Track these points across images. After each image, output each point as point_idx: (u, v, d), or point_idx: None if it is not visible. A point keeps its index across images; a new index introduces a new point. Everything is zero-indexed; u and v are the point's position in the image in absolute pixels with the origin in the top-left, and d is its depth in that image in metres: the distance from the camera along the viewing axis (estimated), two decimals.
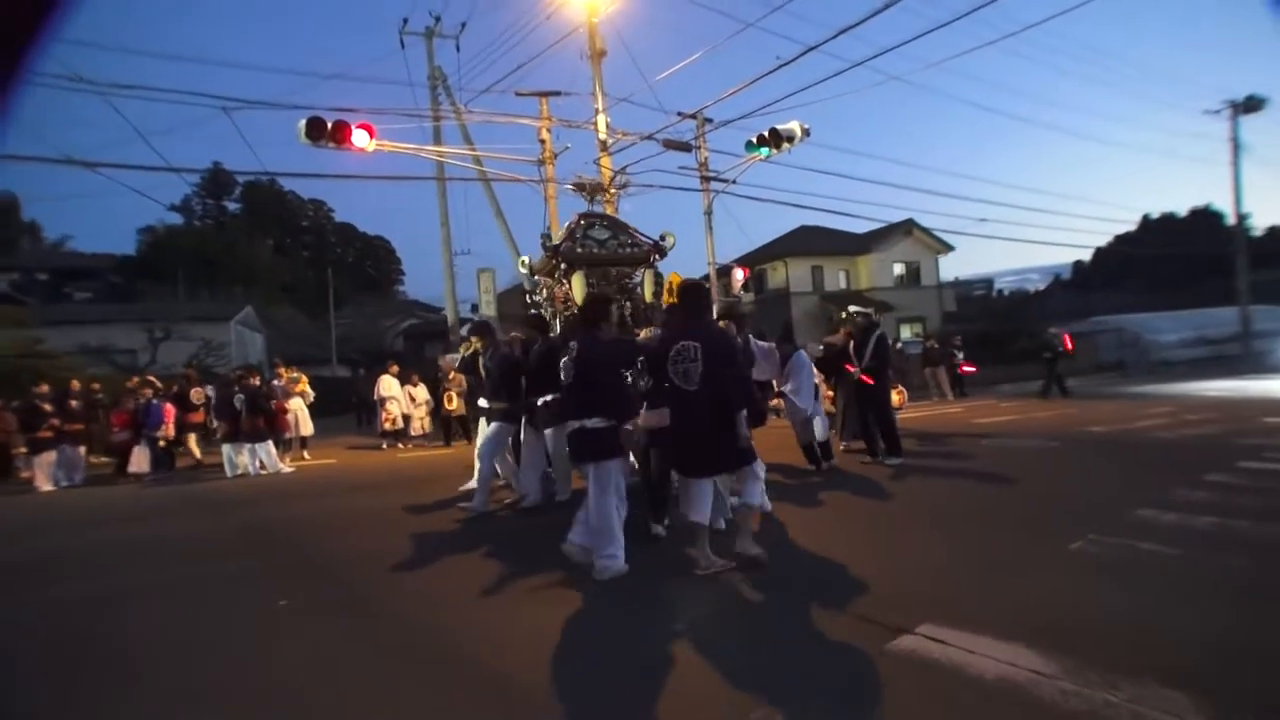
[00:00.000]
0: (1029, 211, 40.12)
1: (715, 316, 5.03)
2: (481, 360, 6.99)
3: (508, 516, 6.52)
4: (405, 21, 17.64)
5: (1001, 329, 31.72)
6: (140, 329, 21.86)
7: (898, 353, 13.89)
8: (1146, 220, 58.68)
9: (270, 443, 10.59)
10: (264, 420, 10.47)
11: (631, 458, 5.12)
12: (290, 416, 11.87)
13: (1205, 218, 56.88)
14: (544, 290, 8.83)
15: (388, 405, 13.52)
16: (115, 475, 11.00)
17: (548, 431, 6.42)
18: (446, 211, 17.89)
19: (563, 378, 4.61)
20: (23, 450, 10.68)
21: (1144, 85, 79.28)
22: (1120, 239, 52.75)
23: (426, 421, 14.22)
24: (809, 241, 32.52)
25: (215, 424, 11.03)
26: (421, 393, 14.05)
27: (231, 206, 49.74)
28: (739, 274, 18.00)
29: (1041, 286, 70.52)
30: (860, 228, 30.69)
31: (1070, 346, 15.42)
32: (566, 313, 8.20)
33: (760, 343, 6.64)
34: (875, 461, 7.71)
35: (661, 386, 4.27)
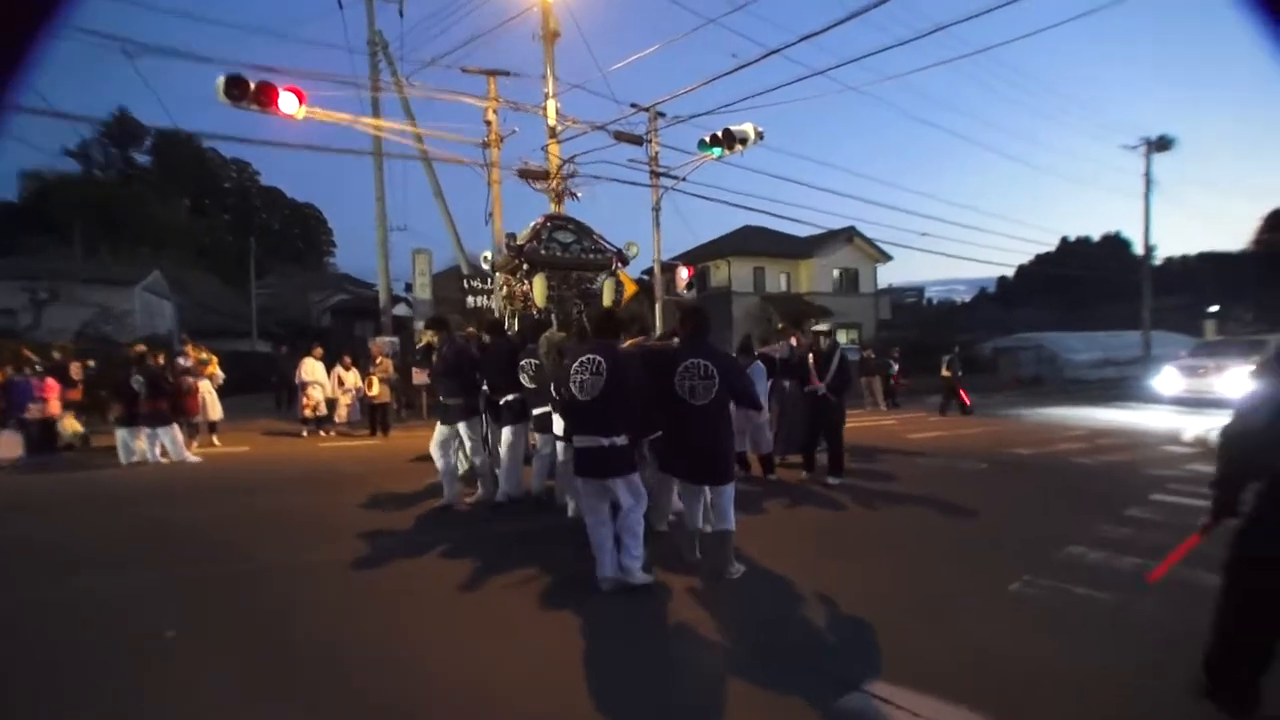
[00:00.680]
0: (963, 228, 41.55)
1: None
2: (434, 354, 6.98)
3: (455, 520, 6.18)
4: None
5: (933, 339, 32.79)
6: (20, 288, 19.67)
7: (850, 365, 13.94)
8: (1065, 242, 61.95)
9: (174, 427, 9.59)
10: (167, 402, 9.47)
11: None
12: (199, 399, 10.91)
13: (1115, 244, 60.49)
14: (504, 288, 8.73)
15: (309, 390, 12.69)
16: None
17: (506, 430, 6.59)
18: (383, 186, 16.99)
19: (524, 379, 5.08)
20: None
21: (1069, 115, 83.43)
22: (1040, 258, 55.43)
23: (353, 409, 13.47)
24: (752, 242, 32.66)
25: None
26: (353, 377, 13.27)
27: (141, 159, 44.57)
28: (684, 272, 17.82)
29: (968, 298, 73.56)
30: (803, 232, 31.09)
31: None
32: (524, 310, 8.08)
33: None
34: (810, 479, 7.66)
35: (663, 399, 4.51)
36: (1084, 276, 44.24)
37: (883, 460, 9.36)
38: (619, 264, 8.49)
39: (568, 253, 8.26)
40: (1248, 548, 2.50)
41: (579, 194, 13.31)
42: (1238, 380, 11.70)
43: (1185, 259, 58.79)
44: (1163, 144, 28.54)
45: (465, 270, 16.56)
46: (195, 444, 10.79)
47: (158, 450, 9.36)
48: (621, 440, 4.17)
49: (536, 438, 6.59)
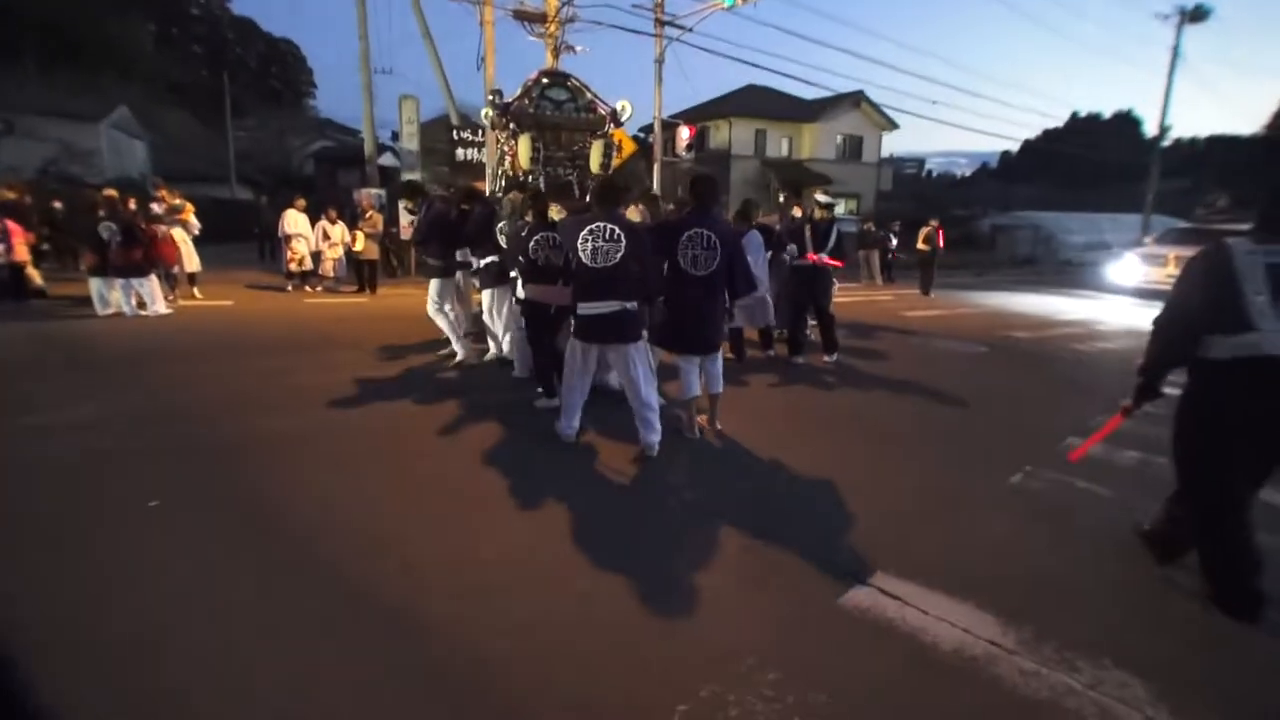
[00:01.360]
0: (974, 97, 39.45)
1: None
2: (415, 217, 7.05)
3: (453, 383, 6.10)
4: None
5: (932, 212, 32.05)
6: None
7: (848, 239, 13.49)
8: (1074, 118, 59.46)
9: (152, 277, 9.22)
10: (141, 252, 9.04)
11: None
12: (175, 248, 10.46)
13: (1125, 123, 58.12)
14: (496, 145, 8.46)
15: (293, 244, 12.28)
16: None
17: (485, 294, 6.66)
18: (365, 22, 15.61)
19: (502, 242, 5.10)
20: None
21: None
22: (1047, 134, 53.41)
23: (340, 262, 13.10)
24: (755, 102, 31.00)
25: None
26: (339, 230, 12.81)
27: None
28: (685, 132, 16.92)
29: (968, 172, 71.61)
30: (809, 94, 29.46)
31: (940, 244, 15.36)
32: (511, 171, 7.69)
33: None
34: (799, 360, 7.41)
35: (666, 268, 4.50)
36: (1089, 156, 42.88)
37: (880, 339, 9.30)
38: (612, 124, 8.00)
39: (560, 111, 7.77)
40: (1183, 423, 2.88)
41: (578, 48, 12.32)
42: None
43: (1194, 141, 56.75)
44: (1198, 14, 26.49)
45: (455, 120, 15.64)
46: (175, 295, 10.53)
47: (134, 302, 9.04)
48: (634, 306, 4.27)
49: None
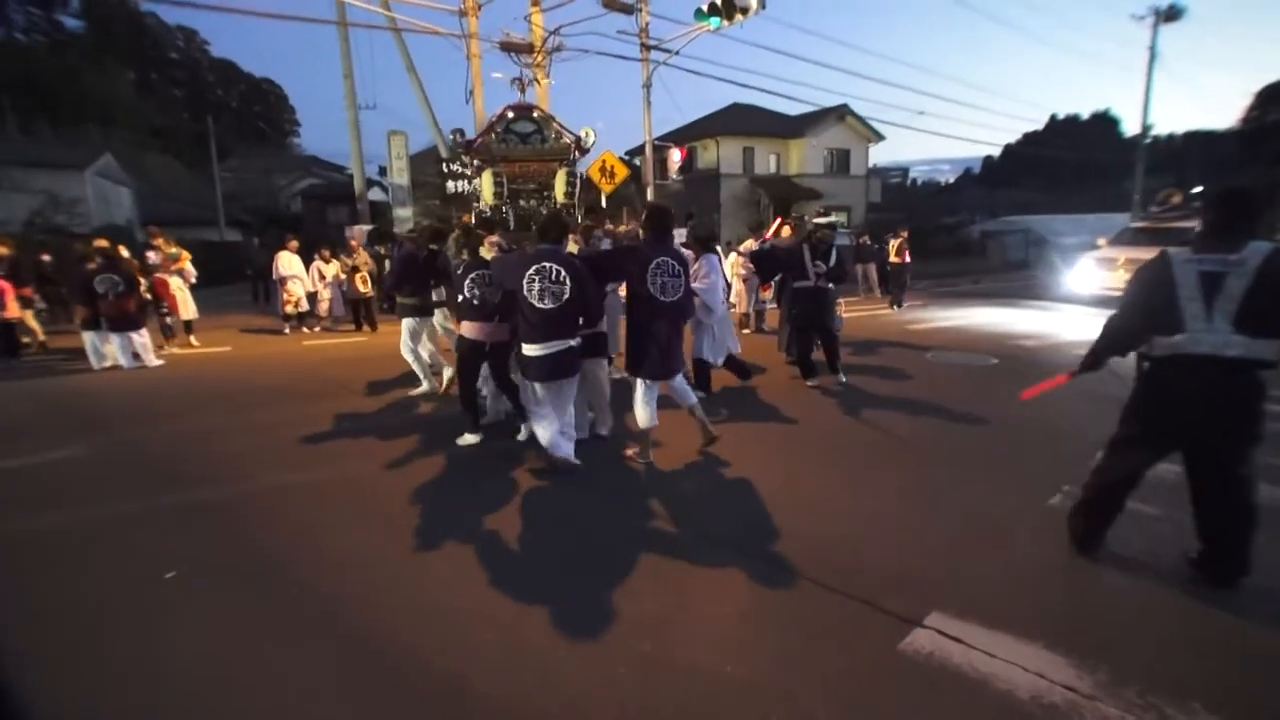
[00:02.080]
0: (956, 105, 39.89)
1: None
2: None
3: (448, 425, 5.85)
4: None
5: (920, 221, 32.20)
6: None
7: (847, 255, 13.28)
8: (1054, 121, 60.32)
9: (143, 331, 8.98)
10: (135, 303, 8.85)
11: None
12: (171, 295, 10.33)
13: (1104, 123, 59.02)
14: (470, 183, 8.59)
15: (289, 286, 12.13)
16: None
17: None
18: (350, 61, 15.63)
19: (479, 291, 4.94)
20: None
21: None
22: (1028, 137, 54.14)
23: (335, 303, 12.93)
24: (741, 121, 31.22)
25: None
26: (333, 269, 12.66)
27: (70, 24, 39.92)
28: (676, 155, 16.93)
29: (952, 179, 72.33)
30: (794, 110, 29.70)
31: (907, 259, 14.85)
32: (478, 211, 7.68)
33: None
34: (808, 383, 7.23)
35: (633, 295, 4.62)
36: (1070, 157, 43.40)
37: (889, 355, 9.17)
38: (576, 153, 8.00)
39: (526, 144, 7.80)
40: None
41: (543, 80, 12.36)
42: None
43: (1172, 138, 57.56)
44: (1172, 13, 26.95)
45: (444, 153, 15.60)
46: (173, 345, 10.36)
47: (131, 355, 8.85)
48: (577, 342, 4.52)
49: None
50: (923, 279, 21.01)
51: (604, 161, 13.25)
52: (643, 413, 4.72)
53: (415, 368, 7.02)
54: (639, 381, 4.72)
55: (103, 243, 9.33)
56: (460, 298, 5.07)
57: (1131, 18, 27.12)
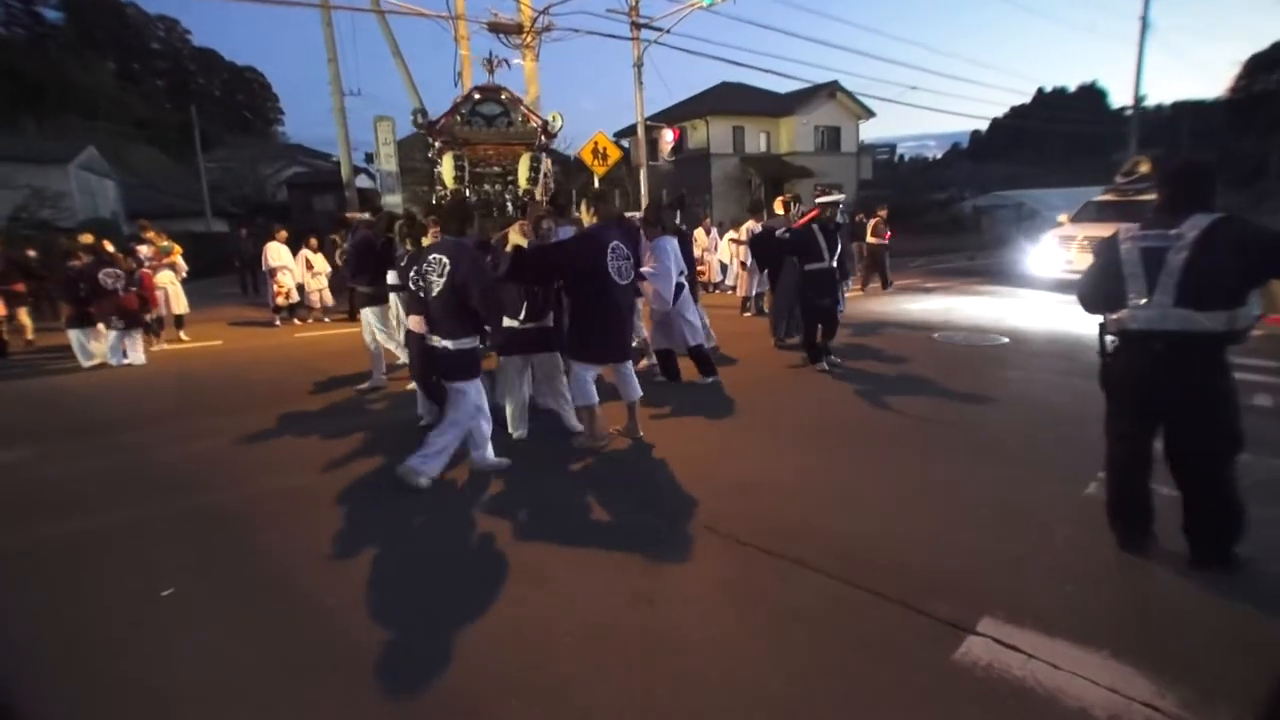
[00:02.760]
0: (944, 78, 39.62)
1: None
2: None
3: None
4: None
5: (909, 198, 32.08)
6: None
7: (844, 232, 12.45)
8: (1040, 94, 59.97)
9: (138, 330, 8.85)
10: (137, 299, 8.70)
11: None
12: (159, 293, 10.16)
13: (1092, 94, 58.70)
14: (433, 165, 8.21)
15: (279, 277, 11.97)
16: None
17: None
18: (335, 45, 15.32)
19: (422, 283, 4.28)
20: None
21: None
22: (1015, 110, 53.87)
23: (325, 293, 12.75)
24: (730, 100, 30.90)
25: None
26: (321, 259, 12.48)
27: (50, 15, 39.42)
28: (669, 135, 16.73)
29: (939, 154, 72.04)
30: (784, 87, 29.41)
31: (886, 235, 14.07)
32: (440, 196, 7.54)
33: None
34: (810, 365, 7.09)
35: (590, 275, 4.49)
36: (1059, 130, 43.18)
37: (895, 337, 8.94)
38: (544, 138, 7.85)
39: (492, 127, 7.59)
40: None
41: (512, 61, 12.15)
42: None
43: (1160, 108, 57.22)
44: None
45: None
46: (163, 339, 10.21)
47: (121, 353, 8.69)
48: (458, 344, 4.09)
49: None
50: (917, 256, 20.93)
51: (596, 143, 13.08)
52: (583, 391, 4.68)
53: (371, 358, 6.91)
54: (579, 366, 4.67)
55: (88, 238, 9.15)
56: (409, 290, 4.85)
57: None
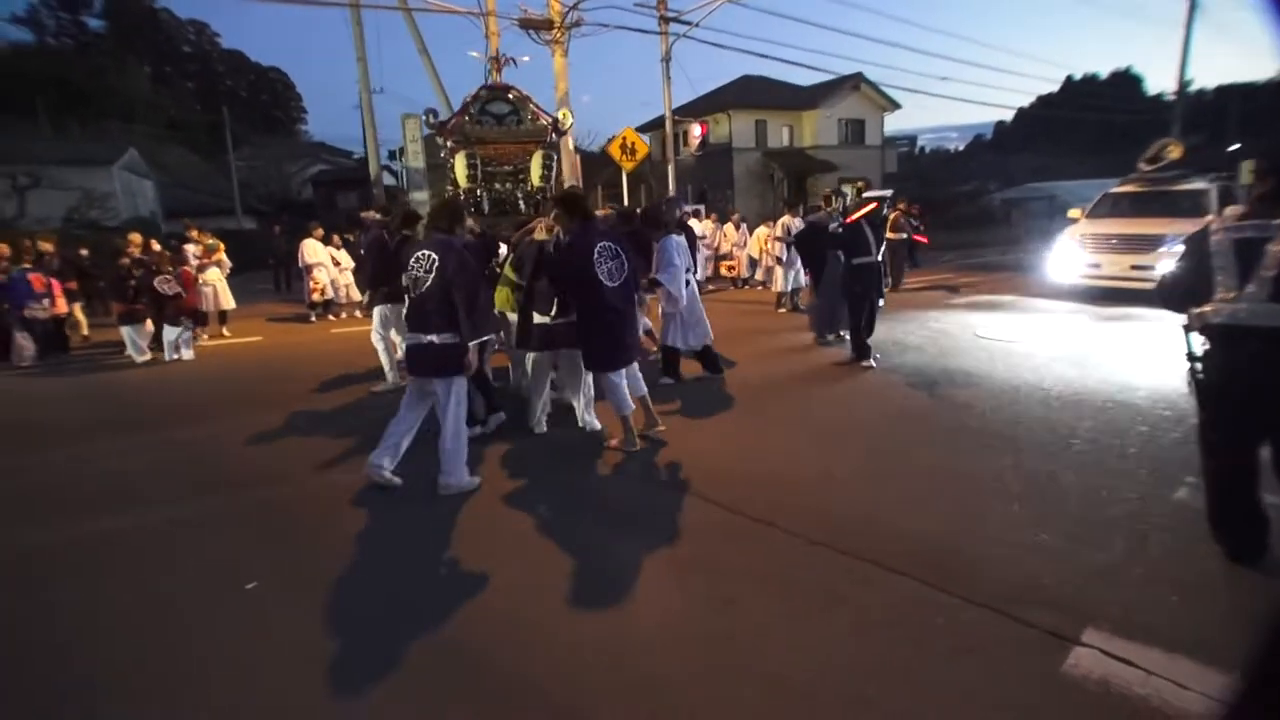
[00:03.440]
0: (969, 66, 38.81)
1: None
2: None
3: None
4: None
5: (934, 191, 31.66)
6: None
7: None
8: (1070, 82, 58.76)
9: (182, 327, 9.09)
10: (188, 301, 9.06)
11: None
12: (208, 290, 10.43)
13: (1125, 81, 57.43)
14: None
15: (315, 273, 12.19)
16: None
17: None
18: (363, 43, 15.54)
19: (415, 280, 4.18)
20: None
21: None
22: (1043, 99, 52.82)
23: (353, 288, 12.91)
24: (753, 93, 30.74)
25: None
26: (345, 256, 12.68)
27: (93, 24, 41.14)
28: (696, 130, 16.73)
29: (961, 146, 70.91)
30: (807, 80, 29.21)
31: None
32: (453, 191, 7.64)
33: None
34: (856, 361, 7.00)
35: (581, 283, 4.50)
36: (1090, 119, 42.15)
37: (934, 334, 8.62)
38: (554, 135, 7.94)
39: (501, 126, 7.66)
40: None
41: (519, 59, 12.23)
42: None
43: (1202, 94, 55.60)
44: None
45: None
46: (205, 335, 10.48)
47: (173, 350, 8.99)
48: (442, 339, 4.03)
49: None
50: (946, 250, 20.69)
51: (624, 138, 13.13)
52: (619, 399, 4.65)
53: (383, 359, 6.90)
54: (604, 375, 4.65)
55: (136, 238, 9.48)
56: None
57: None
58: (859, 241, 6.88)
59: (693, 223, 14.86)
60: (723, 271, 15.40)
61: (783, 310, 11.03)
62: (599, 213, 6.02)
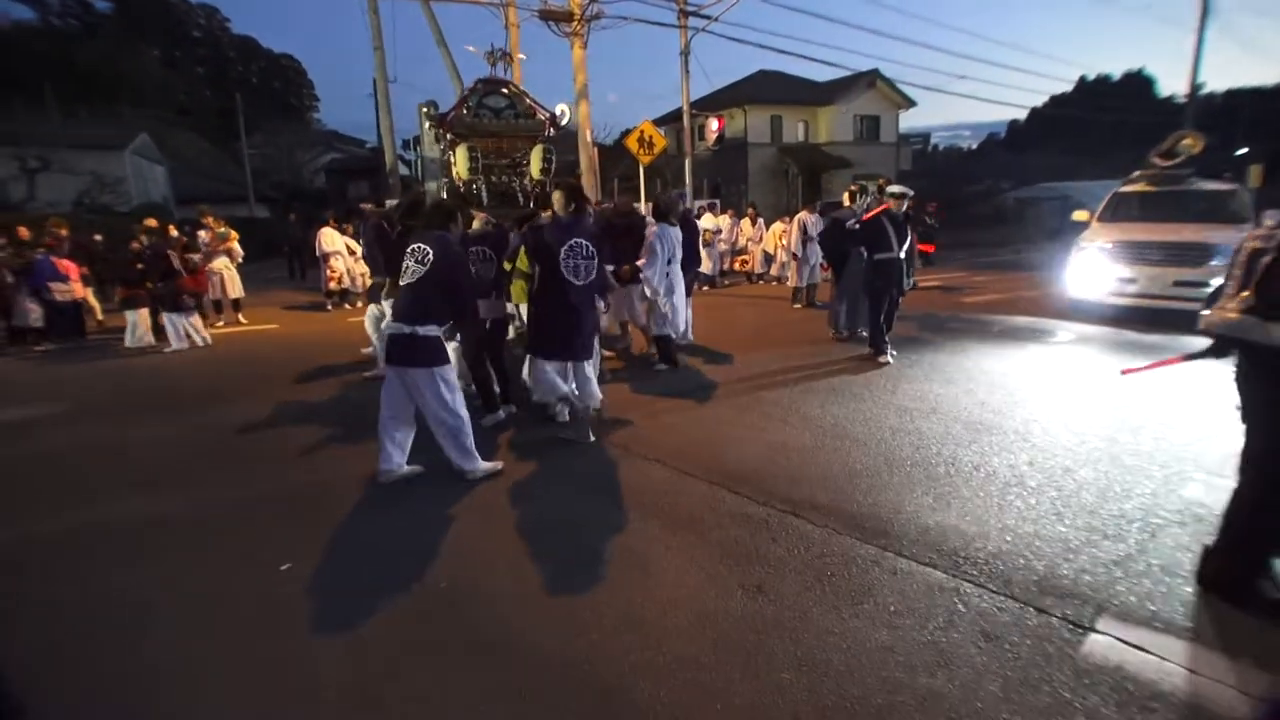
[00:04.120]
0: (984, 65, 38.54)
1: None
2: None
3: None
4: None
5: (947, 190, 31.43)
6: (8, 155, 17.78)
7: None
8: (1083, 82, 58.34)
9: (195, 314, 9.18)
10: (185, 284, 8.98)
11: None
12: (215, 278, 10.41)
13: (1137, 83, 57.00)
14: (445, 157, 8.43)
15: (332, 262, 12.18)
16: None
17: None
18: (380, 31, 15.43)
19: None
20: None
21: None
22: (1055, 99, 52.47)
23: (366, 277, 12.87)
24: (768, 88, 30.58)
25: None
26: (357, 245, 12.63)
27: (100, 5, 40.35)
28: (714, 124, 16.63)
29: (974, 145, 70.47)
30: (823, 76, 29.05)
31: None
32: (452, 183, 7.70)
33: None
34: (873, 356, 7.02)
35: (544, 278, 4.62)
36: (1103, 119, 41.89)
37: (950, 330, 8.68)
38: (551, 129, 7.98)
39: (500, 119, 7.73)
40: None
41: (520, 55, 12.19)
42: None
43: (1212, 96, 55.05)
44: None
45: None
46: (220, 322, 10.47)
47: (183, 335, 8.98)
48: (425, 330, 4.03)
49: None
50: (960, 249, 20.58)
51: (642, 132, 13.05)
52: (548, 383, 4.75)
53: (377, 348, 6.79)
54: (539, 361, 4.74)
55: (151, 223, 9.45)
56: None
57: None
58: (880, 237, 6.93)
59: (708, 217, 14.85)
60: (737, 266, 15.39)
61: (798, 306, 11.00)
62: (617, 199, 6.11)
